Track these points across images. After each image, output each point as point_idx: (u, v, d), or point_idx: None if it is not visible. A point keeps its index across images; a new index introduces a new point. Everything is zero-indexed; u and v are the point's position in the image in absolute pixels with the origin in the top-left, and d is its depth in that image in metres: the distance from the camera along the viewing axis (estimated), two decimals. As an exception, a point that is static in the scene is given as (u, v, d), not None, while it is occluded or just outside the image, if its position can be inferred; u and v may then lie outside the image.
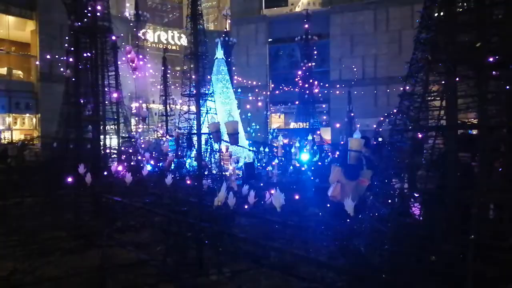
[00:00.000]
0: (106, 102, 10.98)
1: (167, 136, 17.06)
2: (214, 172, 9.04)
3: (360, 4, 34.35)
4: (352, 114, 27.42)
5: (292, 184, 11.99)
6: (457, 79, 4.20)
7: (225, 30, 29.38)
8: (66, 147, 11.40)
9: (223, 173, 11.18)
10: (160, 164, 14.47)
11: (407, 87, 4.76)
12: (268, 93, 38.15)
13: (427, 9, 4.60)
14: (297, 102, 29.95)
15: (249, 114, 26.46)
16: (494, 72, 4.16)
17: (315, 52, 30.77)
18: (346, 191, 6.45)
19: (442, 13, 4.43)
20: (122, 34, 27.48)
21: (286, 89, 34.97)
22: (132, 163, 12.40)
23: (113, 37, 11.40)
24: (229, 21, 33.24)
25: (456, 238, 3.89)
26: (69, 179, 8.84)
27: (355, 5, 34.51)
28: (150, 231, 8.05)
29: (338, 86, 33.48)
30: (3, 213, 9.45)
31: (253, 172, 12.52)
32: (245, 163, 12.89)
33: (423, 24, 4.65)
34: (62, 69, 24.15)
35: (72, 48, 11.48)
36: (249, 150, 17.08)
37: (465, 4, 4.48)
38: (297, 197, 9.14)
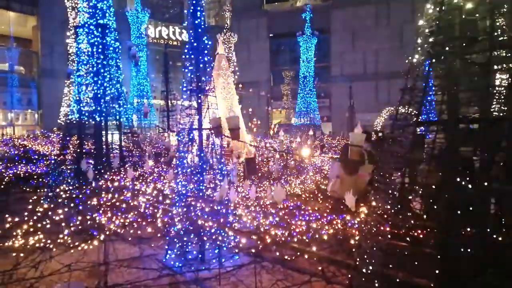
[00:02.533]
0: (108, 98, 10.98)
1: (169, 132, 17.08)
2: (215, 167, 9.05)
3: (361, -1, 34.21)
4: (354, 109, 27.39)
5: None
6: (460, 72, 4.20)
7: (226, 25, 29.30)
8: (68, 142, 11.42)
9: (225, 168, 11.18)
10: (162, 159, 14.51)
11: (409, 82, 4.76)
12: (270, 88, 38.11)
13: (429, 0, 4.58)
14: (298, 97, 29.92)
15: (250, 110, 26.45)
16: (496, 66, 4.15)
17: (316, 47, 30.70)
18: (346, 186, 6.47)
19: (444, 7, 4.41)
20: (123, 30, 27.44)
21: (287, 84, 34.89)
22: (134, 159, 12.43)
23: (115, 33, 11.38)
24: (230, 16, 33.13)
25: (458, 232, 3.91)
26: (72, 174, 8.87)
27: (356, 0, 34.34)
28: (152, 225, 8.09)
29: (339, 81, 33.39)
30: (6, 208, 9.50)
31: (255, 167, 12.53)
32: (246, 158, 12.89)
33: (425, 17, 4.64)
34: (63, 65, 24.15)
35: (74, 44, 11.48)
36: (250, 145, 17.09)
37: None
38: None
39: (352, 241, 6.06)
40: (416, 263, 4.13)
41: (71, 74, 12.11)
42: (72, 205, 8.94)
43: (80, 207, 8.78)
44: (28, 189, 11.88)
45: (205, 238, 6.40)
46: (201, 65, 7.09)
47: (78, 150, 10.61)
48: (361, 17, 34.18)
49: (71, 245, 6.98)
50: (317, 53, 31.49)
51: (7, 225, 7.66)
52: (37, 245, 6.93)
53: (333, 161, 7.31)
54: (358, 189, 6.50)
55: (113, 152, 11.95)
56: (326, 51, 35.46)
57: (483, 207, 3.95)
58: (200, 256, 6.42)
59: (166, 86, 21.22)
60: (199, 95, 7.03)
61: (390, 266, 4.24)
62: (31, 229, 7.54)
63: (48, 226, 7.76)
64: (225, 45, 23.53)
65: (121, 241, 7.42)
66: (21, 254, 6.45)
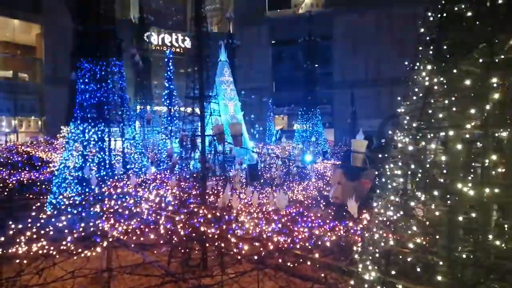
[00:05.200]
0: (111, 105, 11.05)
1: (172, 138, 17.14)
2: (218, 173, 9.09)
3: (362, 6, 34.35)
4: (356, 115, 27.43)
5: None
6: (461, 78, 4.22)
7: (229, 32, 29.50)
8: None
9: (227, 174, 11.20)
10: (164, 166, 14.56)
11: (410, 88, 4.78)
12: (272, 95, 38.23)
13: (430, 8, 4.62)
14: (300, 104, 30.00)
15: (252, 116, 26.54)
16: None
17: (318, 54, 30.83)
18: (348, 192, 6.47)
19: (445, 13, 4.45)
20: (126, 37, 27.65)
21: (289, 91, 35.03)
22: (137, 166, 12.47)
23: (118, 41, 11.49)
24: (233, 23, 33.38)
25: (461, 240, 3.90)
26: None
27: (358, 7, 34.50)
28: (155, 232, 8.10)
29: (341, 87, 33.49)
30: (9, 214, 9.54)
31: (257, 173, 12.55)
32: (248, 164, 12.92)
33: (425, 24, 4.67)
34: (67, 72, 24.31)
35: (77, 51, 11.58)
36: (253, 151, 17.12)
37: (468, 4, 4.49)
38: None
39: (354, 248, 6.05)
40: (419, 270, 4.12)
41: (75, 81, 12.27)
42: (75, 211, 8.97)
43: (83, 214, 8.81)
44: (31, 196, 11.92)
45: (207, 245, 6.41)
46: (203, 72, 7.15)
47: (81, 157, 10.65)
48: (362, 24, 34.35)
49: (74, 252, 6.99)
50: (319, 60, 31.63)
51: (11, 232, 7.68)
52: (40, 252, 6.94)
53: (335, 168, 7.33)
54: (361, 196, 6.50)
55: (116, 159, 11.98)
56: (328, 58, 35.59)
57: (485, 213, 3.95)
58: (202, 263, 6.43)
59: (169, 92, 21.34)
60: (202, 102, 7.09)
61: (393, 273, 4.24)
62: (35, 236, 7.56)
63: (51, 232, 7.78)
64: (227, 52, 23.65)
65: (124, 248, 7.43)
66: (25, 261, 6.47)
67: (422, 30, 4.74)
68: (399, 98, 5.03)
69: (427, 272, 4.09)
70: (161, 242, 7.46)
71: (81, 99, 10.63)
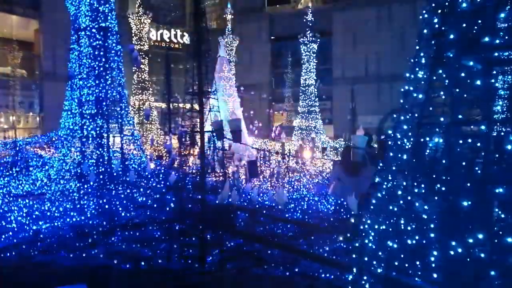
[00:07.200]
0: (109, 100, 11.01)
1: (171, 134, 17.11)
2: (217, 169, 9.06)
3: (362, 1, 34.20)
4: (355, 112, 27.41)
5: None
6: (462, 74, 4.19)
7: (228, 28, 29.38)
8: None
9: (226, 170, 11.19)
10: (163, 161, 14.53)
11: (411, 84, 4.75)
12: (271, 90, 38.17)
13: (431, 4, 4.57)
14: (299, 100, 29.97)
15: (251, 112, 26.45)
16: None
17: (318, 50, 30.74)
18: (347, 188, 6.45)
19: (446, 9, 4.41)
20: (125, 33, 27.49)
21: (289, 87, 34.96)
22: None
23: (117, 36, 11.43)
24: (232, 18, 33.25)
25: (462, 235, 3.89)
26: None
27: (358, 2, 34.35)
28: (154, 228, 8.08)
29: (340, 83, 33.43)
30: (9, 211, 9.51)
31: (256, 169, 12.51)
32: (248, 160, 12.88)
33: (427, 19, 4.63)
34: (65, 68, 24.17)
35: (76, 47, 11.53)
36: (252, 147, 17.10)
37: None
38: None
39: (355, 244, 6.03)
40: (418, 266, 4.11)
41: (73, 77, 12.20)
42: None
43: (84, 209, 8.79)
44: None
45: (207, 241, 6.39)
46: (202, 68, 7.10)
47: (79, 153, 10.61)
48: (362, 20, 34.18)
49: (74, 248, 6.98)
50: (319, 56, 31.51)
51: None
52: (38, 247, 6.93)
53: (334, 163, 7.32)
54: (360, 191, 6.48)
55: (115, 155, 11.93)
56: (327, 54, 35.47)
57: (486, 210, 3.93)
58: (202, 259, 6.41)
59: (168, 88, 21.28)
60: (201, 98, 7.05)
61: (394, 269, 4.22)
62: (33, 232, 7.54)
63: (50, 228, 7.77)
64: (226, 48, 23.63)
65: (124, 244, 7.42)
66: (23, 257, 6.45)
67: (422, 25, 4.70)
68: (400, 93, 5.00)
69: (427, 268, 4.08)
70: (162, 238, 7.45)
71: (79, 95, 10.58)
